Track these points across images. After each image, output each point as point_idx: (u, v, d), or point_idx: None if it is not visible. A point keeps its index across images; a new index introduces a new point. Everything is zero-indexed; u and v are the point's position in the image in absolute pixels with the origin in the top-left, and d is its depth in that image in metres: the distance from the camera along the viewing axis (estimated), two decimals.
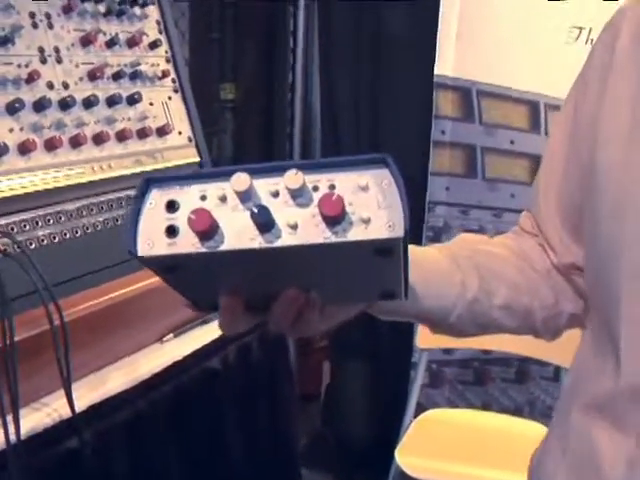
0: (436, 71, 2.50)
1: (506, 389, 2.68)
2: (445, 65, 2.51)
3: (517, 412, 2.60)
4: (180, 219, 0.59)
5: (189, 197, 0.60)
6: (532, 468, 0.96)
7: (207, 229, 0.58)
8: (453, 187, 2.59)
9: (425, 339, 2.35)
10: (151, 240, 0.59)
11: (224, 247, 0.59)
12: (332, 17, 2.79)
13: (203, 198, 0.60)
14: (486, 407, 2.68)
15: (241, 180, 0.58)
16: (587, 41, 2.33)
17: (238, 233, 0.59)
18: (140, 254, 0.59)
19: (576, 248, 0.89)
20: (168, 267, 0.62)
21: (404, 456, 2.19)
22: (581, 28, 2.34)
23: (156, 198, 0.60)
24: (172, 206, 0.60)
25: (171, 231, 0.59)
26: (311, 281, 0.68)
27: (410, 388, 2.45)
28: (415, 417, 2.39)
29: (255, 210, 0.58)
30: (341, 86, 2.83)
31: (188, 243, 0.59)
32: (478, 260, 0.89)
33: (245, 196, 0.59)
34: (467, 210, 2.59)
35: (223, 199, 0.59)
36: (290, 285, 0.67)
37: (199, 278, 0.65)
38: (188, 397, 1.48)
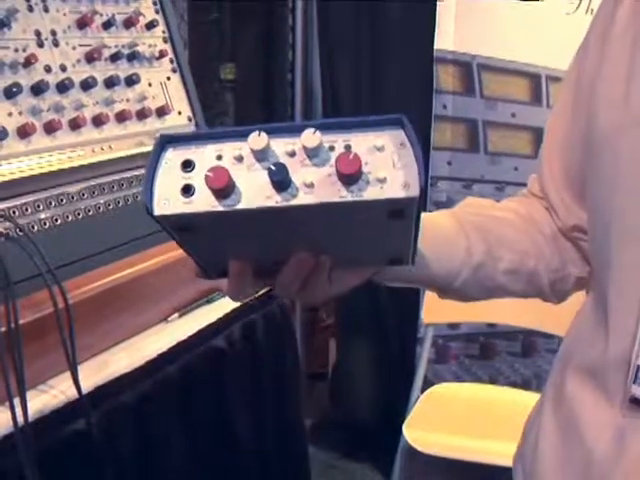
0: (436, 45, 2.49)
1: (512, 363, 2.69)
2: (445, 39, 2.50)
3: (524, 385, 2.61)
4: (196, 178, 0.60)
5: (205, 156, 0.60)
6: (525, 432, 0.97)
7: (224, 187, 0.58)
8: (455, 162, 2.58)
9: (430, 314, 2.36)
10: (167, 199, 0.60)
11: (241, 206, 0.59)
12: None
13: (219, 158, 0.60)
14: (493, 381, 2.69)
15: (259, 139, 0.59)
16: (587, 11, 2.32)
17: (255, 191, 0.59)
18: (156, 213, 0.60)
19: (580, 211, 0.90)
20: (183, 227, 0.62)
21: (412, 431, 2.20)
22: None
23: (172, 157, 0.61)
24: (188, 165, 0.60)
25: (187, 190, 0.59)
26: (322, 245, 0.68)
27: (417, 363, 2.45)
28: (422, 392, 2.40)
29: (273, 167, 0.58)
30: (341, 64, 2.82)
31: (205, 202, 0.59)
32: (484, 225, 0.89)
33: (262, 155, 0.59)
34: (470, 184, 2.59)
35: (239, 158, 0.60)
36: (301, 248, 0.67)
37: (212, 241, 0.65)
38: (194, 376, 1.48)
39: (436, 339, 2.58)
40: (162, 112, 1.57)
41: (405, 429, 2.20)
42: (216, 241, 0.66)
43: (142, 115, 1.53)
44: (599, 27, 0.85)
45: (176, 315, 1.51)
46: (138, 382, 1.36)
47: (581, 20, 2.30)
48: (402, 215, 0.62)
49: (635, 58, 0.78)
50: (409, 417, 2.27)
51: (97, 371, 1.31)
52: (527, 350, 2.65)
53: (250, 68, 3.12)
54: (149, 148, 1.50)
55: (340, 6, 2.75)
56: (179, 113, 1.63)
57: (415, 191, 0.58)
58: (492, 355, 2.70)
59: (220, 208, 0.59)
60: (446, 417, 2.32)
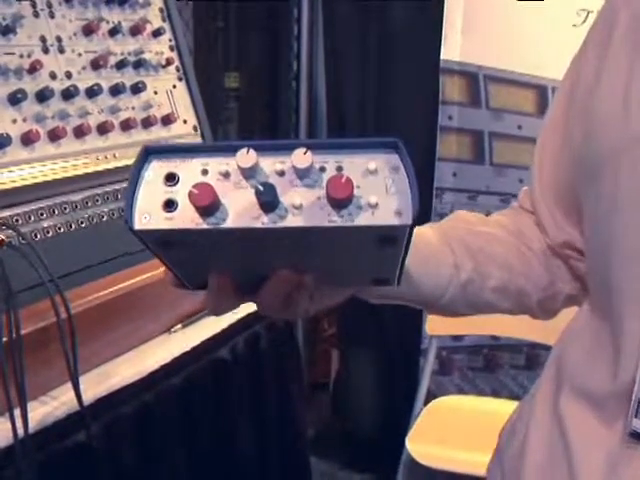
0: (442, 56, 2.48)
1: (516, 375, 2.67)
2: (451, 50, 2.49)
3: None
4: (179, 193, 0.57)
5: (190, 170, 0.57)
6: (503, 439, 0.94)
7: (209, 205, 0.55)
8: (460, 173, 2.57)
9: (434, 325, 2.34)
10: (148, 213, 0.57)
11: (226, 225, 0.56)
12: (337, 4, 2.77)
13: (205, 172, 0.57)
14: (496, 394, 2.67)
15: (248, 156, 0.56)
16: None
17: (241, 211, 0.56)
18: (136, 227, 0.57)
19: (570, 228, 0.87)
20: (163, 243, 0.60)
21: (415, 444, 2.18)
22: (588, 11, 2.32)
23: (155, 170, 0.58)
24: (171, 179, 0.57)
25: (169, 205, 0.57)
26: (305, 263, 0.66)
27: (420, 375, 2.44)
28: (425, 404, 2.38)
29: (261, 188, 0.55)
30: (347, 74, 2.82)
31: (187, 218, 0.56)
32: (472, 241, 0.87)
33: (250, 173, 0.57)
34: (475, 196, 2.58)
35: (226, 175, 0.57)
36: (283, 266, 0.65)
37: (192, 255, 0.63)
38: (197, 388, 1.47)
39: (439, 351, 2.56)
40: (167, 121, 1.56)
41: (408, 442, 2.19)
42: (197, 255, 0.63)
43: (147, 123, 1.52)
44: (596, 39, 0.82)
45: (179, 326, 1.51)
46: (140, 394, 1.35)
47: None
48: (393, 241, 0.60)
49: (633, 73, 0.75)
50: (412, 430, 2.25)
51: (99, 382, 1.30)
52: (531, 363, 2.63)
53: (255, 76, 3.11)
54: None
55: (346, 15, 2.74)
56: (184, 122, 1.62)
57: (408, 219, 0.56)
58: (495, 368, 2.68)
59: (204, 226, 0.56)
60: (449, 430, 2.30)
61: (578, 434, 0.78)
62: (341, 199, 0.55)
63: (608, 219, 0.76)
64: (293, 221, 0.56)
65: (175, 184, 0.57)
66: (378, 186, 0.56)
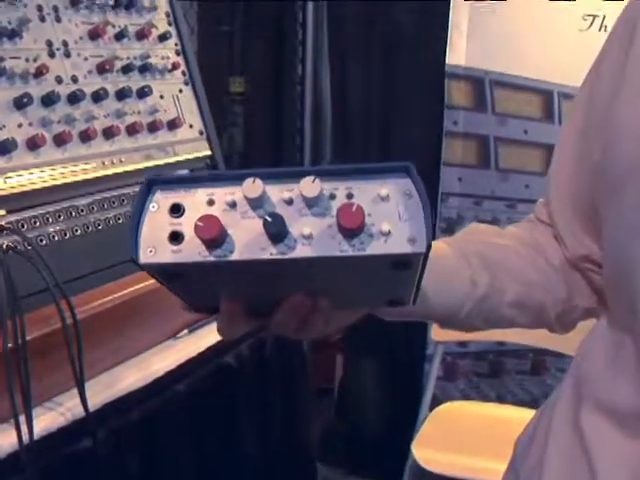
0: (448, 61, 2.48)
1: (521, 381, 2.67)
2: (457, 55, 2.49)
3: (533, 404, 2.58)
4: (185, 224, 0.56)
5: (195, 201, 0.56)
6: (521, 447, 0.92)
7: (215, 237, 0.54)
8: (466, 178, 2.57)
9: (440, 331, 2.33)
10: (154, 246, 0.56)
11: (233, 257, 0.55)
12: (342, 8, 2.77)
13: (210, 203, 0.56)
14: (501, 399, 2.66)
15: (254, 186, 0.54)
16: (601, 28, 2.31)
17: (249, 242, 0.55)
18: (142, 261, 0.56)
19: (589, 241, 0.85)
20: (171, 274, 0.59)
21: (420, 449, 2.17)
22: (594, 16, 2.32)
23: (159, 201, 0.57)
24: (177, 210, 0.56)
25: (175, 237, 0.56)
26: (318, 289, 0.64)
27: (425, 381, 2.43)
28: (430, 410, 2.37)
29: (268, 218, 0.54)
30: (352, 78, 2.81)
31: (194, 251, 0.55)
32: (488, 255, 0.85)
33: (257, 203, 0.55)
34: (480, 201, 2.57)
35: (232, 205, 0.56)
36: (296, 292, 0.64)
37: (201, 284, 0.62)
38: (203, 393, 1.47)
39: (445, 356, 2.56)
40: (173, 125, 1.56)
41: (413, 448, 2.18)
42: (206, 284, 0.62)
43: (153, 128, 1.51)
44: (617, 45, 0.80)
45: (186, 331, 1.50)
46: (146, 400, 1.35)
47: (594, 37, 2.29)
48: (407, 266, 0.58)
49: None
50: (418, 436, 2.25)
51: (105, 388, 1.29)
52: (536, 369, 2.62)
53: (260, 81, 3.11)
54: (159, 162, 1.51)
55: (351, 20, 2.74)
56: (190, 126, 1.61)
57: (422, 247, 0.55)
58: (501, 373, 2.68)
59: (211, 259, 0.55)
60: (454, 436, 2.29)
61: (601, 449, 0.76)
62: (352, 228, 0.54)
63: (633, 232, 0.72)
64: (303, 251, 0.55)
65: (180, 215, 0.56)
66: (390, 213, 0.55)
